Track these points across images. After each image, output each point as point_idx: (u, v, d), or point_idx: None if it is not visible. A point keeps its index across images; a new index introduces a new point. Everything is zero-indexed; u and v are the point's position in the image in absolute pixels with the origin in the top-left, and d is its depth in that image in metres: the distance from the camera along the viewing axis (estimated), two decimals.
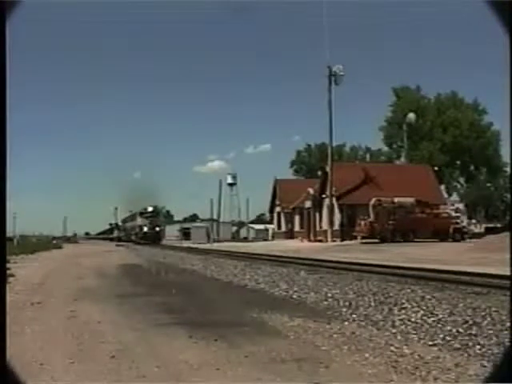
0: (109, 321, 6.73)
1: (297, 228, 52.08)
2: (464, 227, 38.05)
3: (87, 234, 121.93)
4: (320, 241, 40.89)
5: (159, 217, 61.93)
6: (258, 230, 73.37)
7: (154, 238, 54.34)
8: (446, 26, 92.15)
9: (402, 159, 60.80)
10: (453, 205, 44.43)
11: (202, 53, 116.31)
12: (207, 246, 43.27)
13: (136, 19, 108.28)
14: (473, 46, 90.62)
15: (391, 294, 8.30)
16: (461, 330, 5.56)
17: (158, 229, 58.30)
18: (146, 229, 56.82)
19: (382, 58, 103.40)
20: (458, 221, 37.80)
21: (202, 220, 76.99)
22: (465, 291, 8.59)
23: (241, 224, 78.63)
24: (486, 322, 5.87)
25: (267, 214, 69.69)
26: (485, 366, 4.25)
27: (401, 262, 15.62)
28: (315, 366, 4.35)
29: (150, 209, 59.62)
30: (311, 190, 45.92)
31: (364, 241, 34.85)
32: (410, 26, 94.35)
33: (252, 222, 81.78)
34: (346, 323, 6.34)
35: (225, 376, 4.14)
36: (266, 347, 5.04)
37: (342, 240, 38.35)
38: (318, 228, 44.56)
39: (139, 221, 58.95)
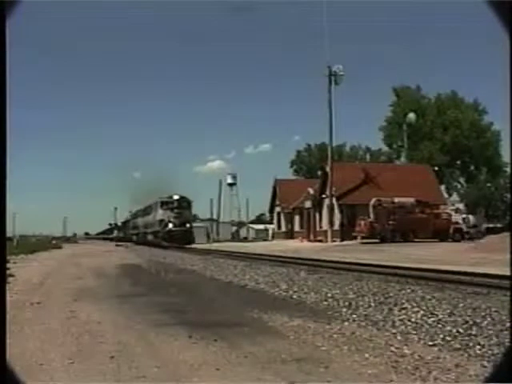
0: (108, 321, 6.73)
1: (297, 228, 52.08)
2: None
3: (87, 234, 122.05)
4: (320, 241, 40.89)
5: (190, 209, 44.32)
6: (257, 230, 73.38)
7: (184, 239, 39.62)
8: (446, 26, 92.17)
9: (402, 159, 60.85)
10: (453, 205, 44.45)
11: (202, 53, 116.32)
12: (207, 246, 43.26)
13: (136, 18, 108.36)
14: (473, 46, 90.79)
15: (391, 294, 8.30)
16: (461, 330, 5.55)
17: (188, 225, 41.80)
18: (171, 225, 40.85)
19: (382, 58, 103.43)
20: (458, 221, 37.82)
21: (202, 220, 76.66)
22: (465, 291, 8.59)
23: (241, 224, 78.56)
24: (486, 322, 5.86)
25: (267, 214, 69.70)
26: (485, 367, 4.25)
27: (401, 262, 15.62)
28: (315, 366, 4.35)
29: (176, 197, 42.54)
30: (311, 190, 45.93)
31: (364, 241, 34.85)
32: (410, 26, 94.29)
33: (252, 222, 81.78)
34: (346, 323, 6.34)
35: (225, 376, 4.13)
36: (265, 347, 5.04)
37: (342, 240, 38.35)
38: (317, 228, 44.57)
39: (160, 214, 42.40)
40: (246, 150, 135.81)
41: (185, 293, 9.86)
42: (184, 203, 42.75)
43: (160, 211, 42.58)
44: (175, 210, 41.49)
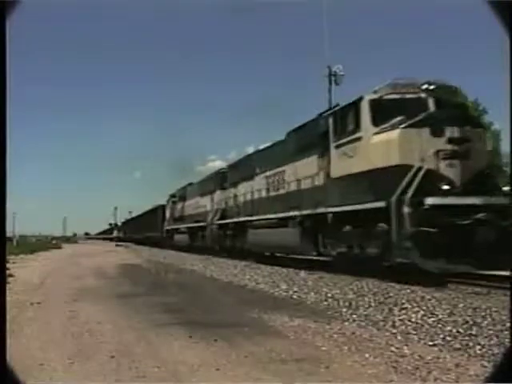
0: (108, 321, 6.72)
1: None
2: None
3: (87, 234, 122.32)
4: None
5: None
6: None
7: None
8: (446, 26, 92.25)
9: None
10: None
11: (202, 54, 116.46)
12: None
13: (139, 18, 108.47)
14: (473, 46, 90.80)
15: (391, 294, 8.29)
16: (461, 330, 5.55)
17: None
18: (445, 187, 9.25)
19: (382, 58, 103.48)
20: None
21: None
22: (465, 291, 8.59)
23: None
24: (486, 322, 5.86)
25: None
26: (485, 367, 4.25)
27: None
28: (315, 367, 4.35)
29: (432, 86, 10.10)
30: None
31: None
32: (410, 26, 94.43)
33: None
34: (346, 323, 6.34)
35: (225, 376, 4.13)
36: (265, 347, 5.03)
37: None
38: None
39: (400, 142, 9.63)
40: (246, 149, 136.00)
41: (185, 293, 9.85)
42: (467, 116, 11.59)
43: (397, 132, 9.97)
44: (457, 135, 9.66)
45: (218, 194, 23.59)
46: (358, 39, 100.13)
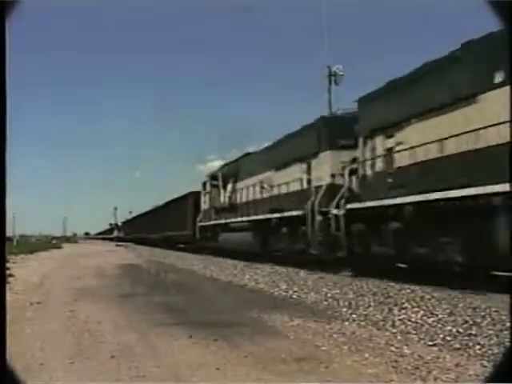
0: (109, 321, 6.73)
1: None
2: None
3: (87, 233, 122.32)
4: None
5: None
6: None
7: None
8: (446, 26, 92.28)
9: None
10: None
11: (203, 54, 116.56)
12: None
13: (140, 20, 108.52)
14: None
15: (391, 294, 8.30)
16: (461, 330, 5.55)
17: None
18: None
19: (382, 58, 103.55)
20: None
21: None
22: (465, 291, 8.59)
23: None
24: (485, 322, 5.87)
25: None
26: (485, 366, 4.25)
27: None
28: (315, 366, 4.35)
29: None
30: None
31: None
32: (410, 26, 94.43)
33: None
34: (346, 323, 6.34)
35: (225, 376, 4.13)
36: (265, 347, 5.04)
37: None
38: None
39: None
40: (246, 149, 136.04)
41: (185, 292, 9.86)
42: None
43: None
44: None
45: (325, 159, 14.02)
46: (357, 39, 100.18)
